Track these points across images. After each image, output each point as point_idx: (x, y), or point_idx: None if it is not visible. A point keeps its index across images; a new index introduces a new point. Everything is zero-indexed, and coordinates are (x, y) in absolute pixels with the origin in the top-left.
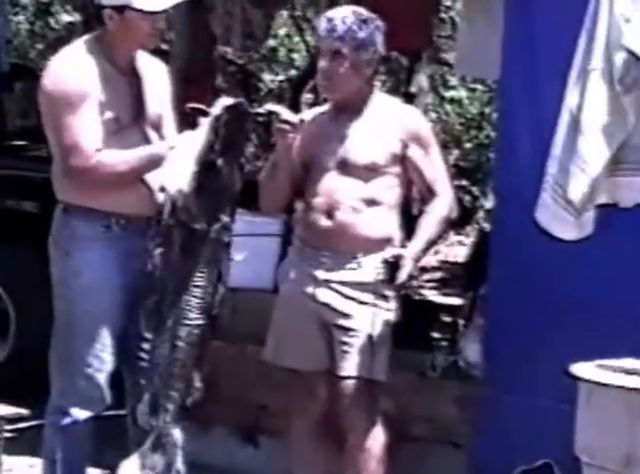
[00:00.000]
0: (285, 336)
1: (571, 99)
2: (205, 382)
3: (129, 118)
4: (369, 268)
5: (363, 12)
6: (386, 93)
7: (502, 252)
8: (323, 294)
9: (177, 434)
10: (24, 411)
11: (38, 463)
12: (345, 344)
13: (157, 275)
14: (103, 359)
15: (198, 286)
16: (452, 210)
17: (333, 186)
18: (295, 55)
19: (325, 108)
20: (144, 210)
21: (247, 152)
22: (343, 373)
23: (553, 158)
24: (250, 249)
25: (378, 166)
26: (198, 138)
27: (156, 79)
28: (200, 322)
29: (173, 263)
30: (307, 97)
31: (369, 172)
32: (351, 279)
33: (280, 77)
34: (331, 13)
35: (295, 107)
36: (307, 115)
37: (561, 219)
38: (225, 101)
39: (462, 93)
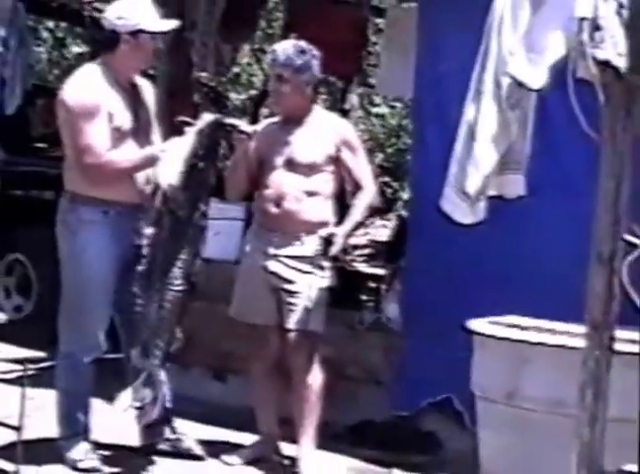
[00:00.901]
0: (245, 298)
1: (468, 113)
2: (185, 333)
3: (130, 126)
4: (309, 244)
5: (303, 44)
6: (325, 109)
7: (416, 233)
8: (273, 265)
9: (162, 373)
10: (43, 353)
11: (54, 394)
12: (290, 304)
13: (148, 250)
14: (101, 314)
15: (180, 259)
16: (375, 200)
17: (281, 180)
18: (255, 79)
19: (276, 119)
20: (134, 200)
21: (219, 154)
22: (289, 326)
23: (454, 160)
24: (220, 229)
25: (317, 164)
26: (184, 144)
27: (147, 96)
28: (181, 287)
29: (162, 241)
30: (264, 111)
31: (310, 169)
32: (294, 254)
33: (244, 96)
34: (276, 45)
35: (255, 119)
36: (262, 124)
37: (460, 207)
38: (207, 117)
39: (385, 109)
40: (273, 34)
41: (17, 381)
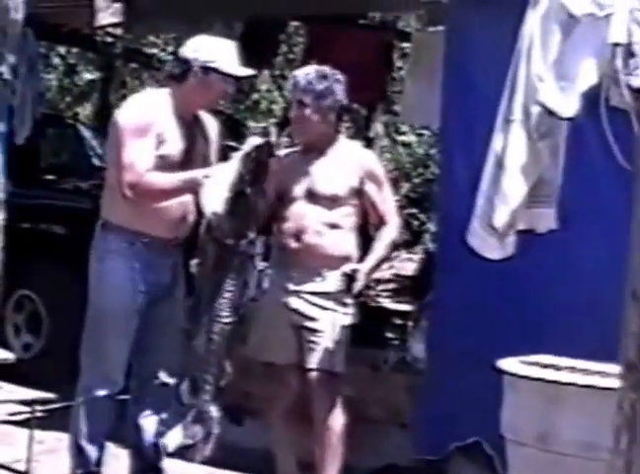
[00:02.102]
0: (264, 336)
1: (496, 143)
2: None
3: (180, 158)
4: (331, 280)
5: (325, 69)
6: (349, 138)
7: (443, 267)
8: (294, 302)
9: (214, 409)
10: (53, 395)
11: (65, 437)
12: (311, 342)
13: (196, 281)
14: (120, 348)
15: (228, 291)
16: (399, 235)
17: (301, 212)
18: (275, 106)
19: (297, 148)
20: (166, 234)
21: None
22: (310, 366)
23: (481, 192)
24: None
25: (339, 197)
26: (229, 169)
27: (209, 132)
28: (229, 319)
29: (208, 271)
30: (284, 140)
31: (332, 202)
32: (316, 290)
33: (263, 124)
34: (297, 71)
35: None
36: (282, 154)
37: (488, 242)
38: (254, 140)
39: (412, 137)
40: (293, 59)
41: (25, 423)
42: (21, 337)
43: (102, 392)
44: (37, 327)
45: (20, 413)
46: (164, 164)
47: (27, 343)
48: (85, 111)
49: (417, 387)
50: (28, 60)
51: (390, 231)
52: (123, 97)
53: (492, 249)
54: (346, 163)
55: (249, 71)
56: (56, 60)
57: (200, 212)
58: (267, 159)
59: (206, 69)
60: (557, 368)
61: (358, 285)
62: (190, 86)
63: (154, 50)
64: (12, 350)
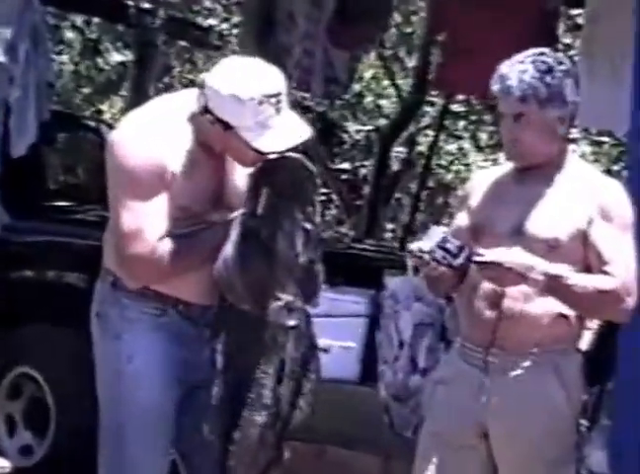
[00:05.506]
0: (438, 450)
1: None
2: None
3: (203, 206)
4: (545, 369)
5: (546, 57)
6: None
7: (631, 342)
8: (493, 402)
9: None
10: None
11: None
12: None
13: (217, 370)
14: (155, 460)
15: (259, 378)
16: (619, 299)
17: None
18: (384, 101)
19: (505, 167)
20: (204, 299)
21: (317, 215)
22: None
23: None
24: (330, 332)
25: (561, 243)
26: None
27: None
28: (265, 418)
29: (229, 355)
30: (399, 151)
31: (549, 249)
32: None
33: (368, 127)
34: (505, 68)
35: (384, 161)
36: (481, 175)
37: None
38: (269, 156)
39: (585, 147)
40: (411, 33)
41: None
42: (18, 436)
43: None
44: (41, 421)
45: None
46: (186, 216)
47: (26, 444)
48: (112, 107)
49: None
50: (31, 35)
51: (607, 282)
52: (167, 88)
53: None
54: (575, 194)
55: (292, 139)
56: (71, 35)
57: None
58: (297, 181)
59: (225, 125)
60: None
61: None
62: (207, 129)
63: (211, 21)
64: (5, 454)
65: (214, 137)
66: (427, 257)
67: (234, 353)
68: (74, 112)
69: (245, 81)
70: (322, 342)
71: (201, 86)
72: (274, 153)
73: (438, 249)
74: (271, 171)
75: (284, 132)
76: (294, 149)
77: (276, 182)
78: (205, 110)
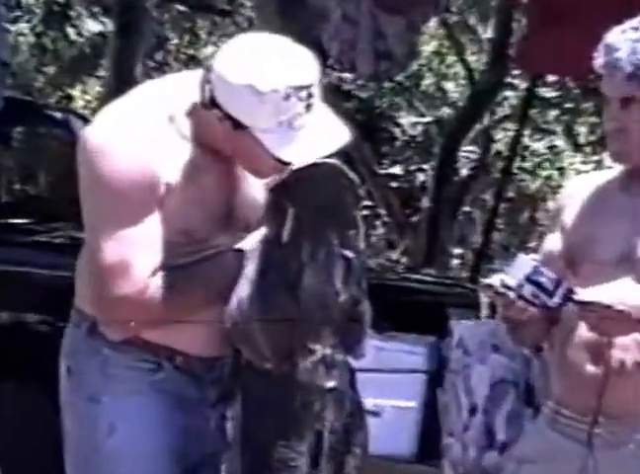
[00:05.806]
0: None
1: None
2: None
3: (207, 227)
4: None
5: None
6: None
7: None
8: None
9: None
10: None
11: None
12: None
13: (228, 443)
14: None
15: (287, 465)
16: None
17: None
18: (449, 85)
19: (613, 171)
20: (213, 349)
21: (360, 238)
22: None
23: None
24: (379, 391)
25: None
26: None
27: None
28: None
29: (246, 427)
30: (468, 150)
31: None
32: None
33: (427, 119)
34: (612, 36)
35: (449, 163)
36: (580, 181)
37: None
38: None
39: None
40: None
41: None
42: None
43: None
44: None
45: None
46: (185, 241)
47: None
48: (86, 93)
49: None
50: None
51: None
52: (160, 67)
53: None
54: None
55: (326, 146)
56: None
57: None
58: (334, 194)
59: (236, 123)
60: None
61: None
62: (214, 127)
63: None
64: None
65: (223, 138)
66: (512, 294)
67: (252, 423)
68: (35, 98)
69: (265, 67)
70: (370, 402)
71: (207, 69)
72: (300, 164)
73: (527, 283)
74: (298, 183)
75: (316, 137)
76: (327, 165)
77: (304, 198)
78: (212, 102)
